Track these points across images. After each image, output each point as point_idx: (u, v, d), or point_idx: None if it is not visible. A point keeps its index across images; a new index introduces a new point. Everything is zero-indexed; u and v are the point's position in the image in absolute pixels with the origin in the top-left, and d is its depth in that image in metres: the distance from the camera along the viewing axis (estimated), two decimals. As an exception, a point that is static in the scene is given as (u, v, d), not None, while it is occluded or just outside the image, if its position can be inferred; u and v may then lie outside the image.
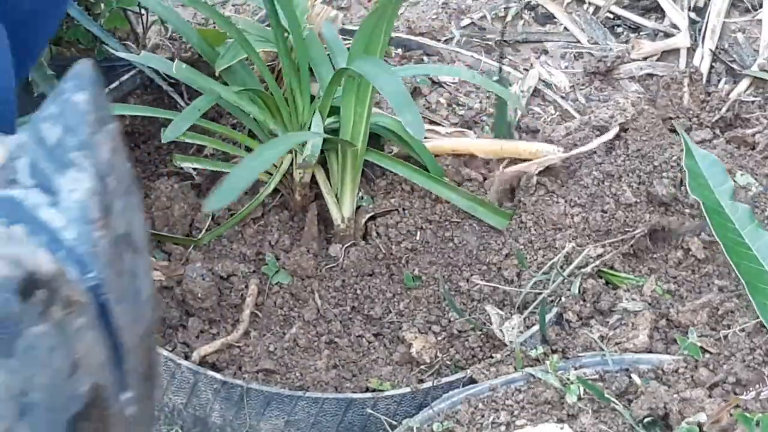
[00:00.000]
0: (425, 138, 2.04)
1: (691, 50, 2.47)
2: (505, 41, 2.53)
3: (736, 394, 1.60)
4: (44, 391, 1.10)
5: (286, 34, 1.89)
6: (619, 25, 2.60)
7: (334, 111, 1.96)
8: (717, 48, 2.43)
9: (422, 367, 1.80)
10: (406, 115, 1.70)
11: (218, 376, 1.68)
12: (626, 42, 2.53)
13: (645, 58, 2.47)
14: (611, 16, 2.61)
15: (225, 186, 1.64)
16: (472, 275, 1.93)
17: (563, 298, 1.82)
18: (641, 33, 2.57)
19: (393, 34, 2.45)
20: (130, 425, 1.20)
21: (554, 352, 1.74)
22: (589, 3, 2.64)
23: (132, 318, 1.13)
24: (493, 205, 1.98)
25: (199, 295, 1.81)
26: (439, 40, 2.52)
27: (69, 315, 1.06)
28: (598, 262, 1.87)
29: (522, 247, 1.93)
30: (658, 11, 2.61)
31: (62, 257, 1.03)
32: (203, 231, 1.95)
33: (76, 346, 1.09)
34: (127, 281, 1.12)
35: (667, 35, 2.52)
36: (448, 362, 1.80)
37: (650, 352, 1.74)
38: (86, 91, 1.06)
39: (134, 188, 1.20)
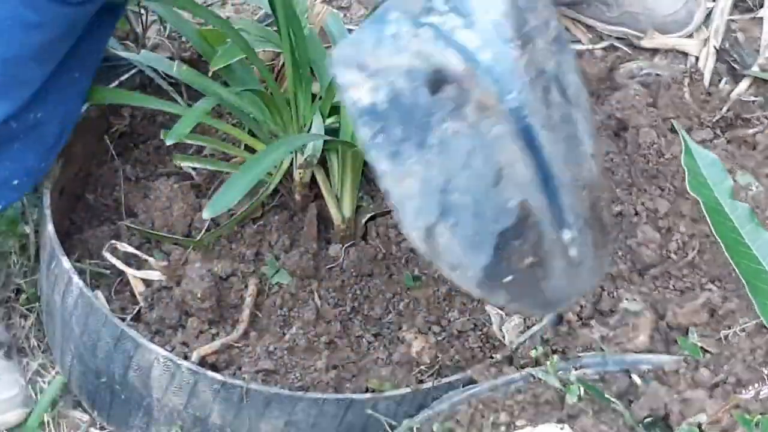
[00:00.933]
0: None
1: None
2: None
3: (736, 394, 1.60)
4: (466, 193, 1.08)
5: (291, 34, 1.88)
6: (619, 25, 2.59)
7: (335, 111, 1.95)
8: (719, 47, 2.42)
9: (422, 367, 1.80)
10: None
11: (218, 376, 1.68)
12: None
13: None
14: (612, 15, 2.60)
15: (225, 191, 1.64)
16: (472, 275, 1.92)
17: (563, 299, 1.82)
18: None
19: (393, 34, 2.45)
20: (573, 265, 1.17)
21: (554, 352, 1.74)
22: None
23: (564, 156, 1.09)
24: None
25: (199, 295, 1.81)
26: (439, 40, 2.51)
27: (485, 120, 1.04)
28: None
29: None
30: (659, 11, 2.60)
31: (480, 74, 1.01)
32: (202, 231, 1.95)
33: (496, 154, 1.06)
34: (557, 117, 1.08)
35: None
36: (448, 362, 1.80)
37: (651, 352, 1.74)
38: None
39: (569, 48, 1.14)
